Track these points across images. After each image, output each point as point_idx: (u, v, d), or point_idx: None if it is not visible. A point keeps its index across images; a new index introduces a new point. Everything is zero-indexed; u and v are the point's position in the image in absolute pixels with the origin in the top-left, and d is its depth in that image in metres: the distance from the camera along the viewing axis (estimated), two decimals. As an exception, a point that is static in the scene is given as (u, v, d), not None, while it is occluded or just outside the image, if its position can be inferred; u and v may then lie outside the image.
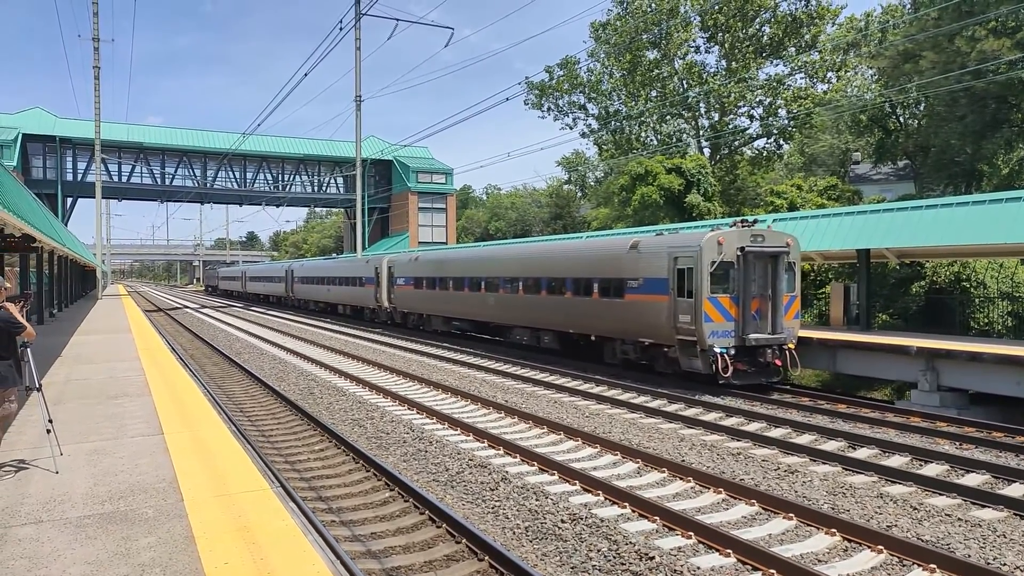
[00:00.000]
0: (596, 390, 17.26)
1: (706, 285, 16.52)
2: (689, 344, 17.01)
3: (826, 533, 8.01)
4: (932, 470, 10.63)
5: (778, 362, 17.06)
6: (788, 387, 18.37)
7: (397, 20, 41.44)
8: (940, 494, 9.43)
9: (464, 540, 7.71)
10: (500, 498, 9.32)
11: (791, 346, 17.20)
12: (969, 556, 7.46)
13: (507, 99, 62.70)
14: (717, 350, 16.41)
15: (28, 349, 7.51)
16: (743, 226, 17.23)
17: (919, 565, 7.14)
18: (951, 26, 31.92)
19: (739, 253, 16.72)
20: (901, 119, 45.13)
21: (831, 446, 12.03)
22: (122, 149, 66.79)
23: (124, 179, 68.14)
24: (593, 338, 20.98)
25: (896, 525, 8.34)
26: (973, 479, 10.16)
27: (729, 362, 16.31)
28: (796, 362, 17.11)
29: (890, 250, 20.76)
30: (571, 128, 58.01)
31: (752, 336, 16.71)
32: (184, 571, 4.69)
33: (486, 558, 7.24)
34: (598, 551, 7.56)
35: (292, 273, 55.77)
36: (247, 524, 5.49)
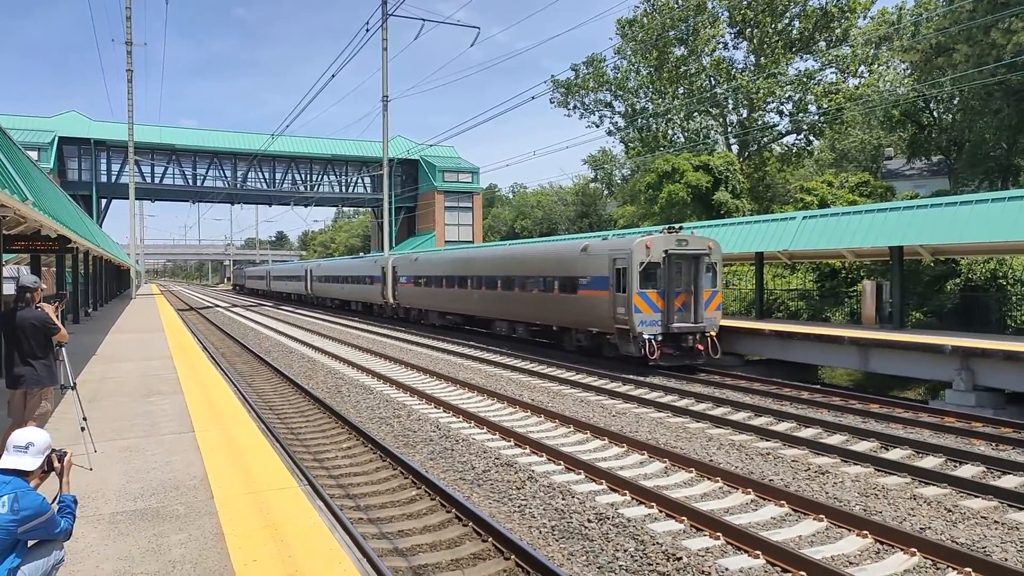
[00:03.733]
0: (623, 389, 17.19)
1: (636, 282, 19.04)
2: (624, 332, 19.54)
3: (858, 535, 7.88)
4: (967, 471, 10.41)
5: (700, 347, 19.55)
6: (819, 386, 18.22)
7: (423, 20, 41.45)
8: (976, 496, 9.23)
9: (490, 539, 7.70)
10: (526, 497, 9.31)
11: (712, 334, 19.67)
12: (1006, 560, 7.30)
13: (533, 98, 62.47)
14: (646, 336, 18.91)
15: (63, 349, 7.68)
16: (668, 232, 19.84)
17: (954, 568, 7.00)
18: (986, 18, 31.24)
19: (664, 255, 19.19)
20: (935, 113, 44.26)
21: (863, 447, 11.85)
22: (155, 151, 67.86)
23: (157, 180, 69.30)
24: (555, 328, 23.65)
25: (930, 527, 8.18)
26: (1010, 481, 9.93)
27: (656, 346, 18.83)
28: (717, 348, 19.55)
29: (924, 247, 20.39)
30: (597, 126, 57.90)
31: (676, 325, 19.25)
32: (214, 568, 4.75)
33: (512, 557, 7.23)
34: (625, 551, 7.52)
35: (311, 272, 59.29)
36: (275, 521, 5.54)
